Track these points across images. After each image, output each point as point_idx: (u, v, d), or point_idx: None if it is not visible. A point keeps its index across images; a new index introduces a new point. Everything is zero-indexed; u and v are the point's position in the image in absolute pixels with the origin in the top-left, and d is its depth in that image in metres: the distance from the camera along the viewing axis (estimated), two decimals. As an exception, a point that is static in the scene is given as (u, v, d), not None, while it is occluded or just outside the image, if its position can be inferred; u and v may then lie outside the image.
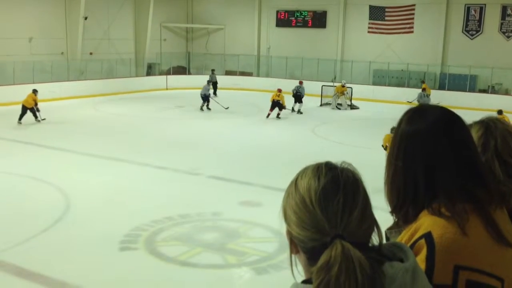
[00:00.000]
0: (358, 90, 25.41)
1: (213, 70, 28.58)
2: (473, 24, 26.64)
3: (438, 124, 1.45)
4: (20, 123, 18.18)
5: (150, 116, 21.04)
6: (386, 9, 28.30)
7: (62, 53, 27.14)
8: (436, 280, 1.28)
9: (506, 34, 25.84)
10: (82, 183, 11.40)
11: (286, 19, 31.47)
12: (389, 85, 27.28)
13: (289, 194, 1.17)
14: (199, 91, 24.31)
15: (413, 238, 1.38)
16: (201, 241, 8.46)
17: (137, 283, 7.18)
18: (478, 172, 1.46)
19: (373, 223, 1.15)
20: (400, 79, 27.22)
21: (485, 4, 26.13)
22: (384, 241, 1.19)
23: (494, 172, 1.67)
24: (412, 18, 27.71)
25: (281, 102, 20.48)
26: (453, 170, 1.42)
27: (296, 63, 29.85)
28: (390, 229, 1.53)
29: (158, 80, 29.41)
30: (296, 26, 31.21)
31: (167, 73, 30.74)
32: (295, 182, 1.17)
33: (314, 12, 30.61)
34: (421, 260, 1.30)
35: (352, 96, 24.46)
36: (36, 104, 18.41)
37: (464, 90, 25.72)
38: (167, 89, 29.07)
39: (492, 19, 26.04)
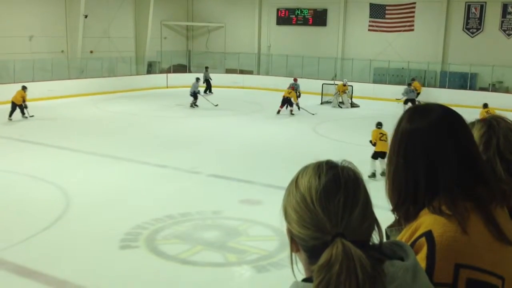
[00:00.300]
0: (359, 88, 25.41)
1: (206, 68, 28.65)
2: (473, 22, 26.61)
3: (439, 122, 1.45)
4: (11, 119, 18.44)
5: (150, 114, 21.03)
6: (387, 7, 28.27)
7: (62, 51, 27.13)
8: (437, 279, 1.28)
9: (507, 32, 25.81)
10: (82, 182, 11.41)
11: (286, 17, 31.44)
12: (390, 83, 27.26)
13: (290, 192, 1.16)
14: (201, 89, 24.36)
15: (414, 236, 1.37)
16: (201, 239, 8.46)
17: (138, 281, 7.19)
18: (479, 170, 1.45)
19: (374, 221, 1.15)
20: (400, 77, 27.19)
21: (485, 2, 26.10)
22: (385, 239, 1.19)
23: (495, 170, 1.66)
24: (413, 16, 27.68)
25: (291, 99, 21.16)
26: (454, 168, 1.42)
27: (296, 61, 29.84)
28: (390, 227, 1.53)
29: (158, 78, 29.41)
30: (297, 24, 31.19)
31: (168, 71, 30.74)
32: (295, 181, 1.17)
33: (315, 10, 30.58)
34: (421, 258, 1.30)
35: (353, 94, 24.50)
36: (24, 101, 18.65)
37: (464, 88, 25.71)
38: (167, 87, 29.06)
39: (492, 17, 26.01)
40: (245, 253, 8.02)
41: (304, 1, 30.60)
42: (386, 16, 28.36)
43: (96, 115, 20.60)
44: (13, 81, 22.67)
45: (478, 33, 26.49)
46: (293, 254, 1.18)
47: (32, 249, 8.04)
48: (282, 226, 1.20)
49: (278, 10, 31.57)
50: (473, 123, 1.77)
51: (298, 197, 1.13)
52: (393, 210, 1.47)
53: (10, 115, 18.47)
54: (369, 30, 28.93)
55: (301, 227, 1.11)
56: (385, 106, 22.78)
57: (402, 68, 27.59)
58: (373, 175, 11.63)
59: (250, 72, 31.71)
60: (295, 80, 23.58)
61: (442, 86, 26.59)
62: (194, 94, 22.70)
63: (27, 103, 18.81)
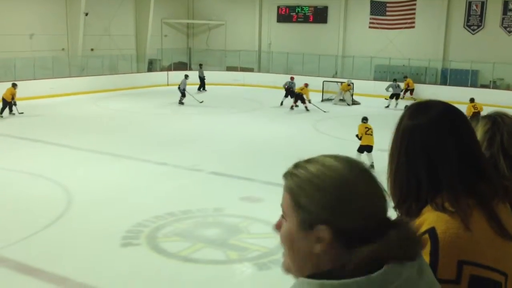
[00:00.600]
0: (360, 86, 25.40)
1: (200, 65, 28.69)
2: (474, 19, 26.57)
3: (441, 119, 1.44)
4: (1, 116, 18.71)
5: (151, 112, 21.04)
6: (388, 4, 28.23)
7: (63, 49, 27.14)
8: (440, 275, 1.28)
9: (508, 29, 25.78)
10: (83, 179, 11.41)
11: (287, 15, 31.41)
12: (391, 80, 27.23)
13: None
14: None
15: (417, 233, 1.37)
16: (202, 237, 8.47)
17: (139, 278, 7.19)
18: (480, 167, 1.45)
19: None
20: (401, 75, 27.15)
21: (486, -1, 26.10)
22: None
23: (499, 167, 1.66)
24: (414, 13, 27.64)
25: (304, 95, 21.55)
26: (456, 165, 1.41)
27: (297, 59, 29.82)
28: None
29: (159, 76, 29.40)
30: (297, 21, 31.16)
31: (168, 69, 30.73)
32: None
33: (315, 7, 30.55)
34: (424, 255, 1.29)
35: (354, 92, 24.52)
36: (13, 98, 18.87)
37: (465, 85, 25.68)
38: (168, 85, 29.02)
39: (493, 14, 25.97)
40: (246, 251, 8.02)
41: (305, -2, 30.61)
42: (387, 13, 28.32)
43: (96, 112, 20.60)
44: (14, 79, 22.66)
45: (479, 30, 26.46)
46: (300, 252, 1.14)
47: (33, 246, 8.05)
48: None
49: (278, 7, 31.54)
50: (477, 120, 1.77)
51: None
52: (395, 208, 1.46)
53: (1, 112, 18.82)
54: (369, 27, 28.89)
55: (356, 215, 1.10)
56: (399, 107, 22.73)
57: (403, 65, 27.56)
58: None
59: (250, 70, 31.70)
60: (292, 78, 23.59)
61: (443, 83, 26.58)
62: (183, 92, 22.65)
63: (16, 100, 19.00)
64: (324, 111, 21.53)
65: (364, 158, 11.93)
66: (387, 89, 24.02)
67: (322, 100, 24.49)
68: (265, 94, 26.35)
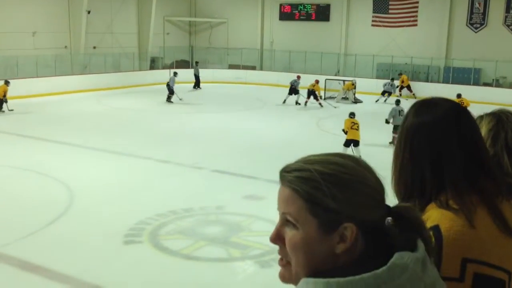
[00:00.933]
0: (362, 84, 25.38)
1: (197, 62, 28.71)
2: (477, 17, 26.51)
3: (446, 116, 1.44)
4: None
5: (153, 109, 21.04)
6: (390, 2, 28.19)
7: (65, 47, 27.15)
8: (444, 273, 1.27)
9: (511, 27, 25.71)
10: (86, 177, 11.43)
11: (289, 12, 31.38)
12: (393, 78, 27.22)
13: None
14: (202, 85, 24.33)
15: (421, 231, 1.37)
16: (204, 235, 8.47)
17: (141, 276, 7.20)
18: (485, 164, 1.45)
19: None
20: (404, 73, 27.12)
21: (489, -3, 26.04)
22: None
23: (502, 164, 1.66)
24: (416, 11, 27.59)
25: (315, 91, 22.11)
26: (461, 162, 1.41)
27: (299, 57, 29.79)
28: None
29: (161, 74, 29.38)
30: (300, 19, 31.12)
31: (170, 67, 30.70)
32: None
33: (318, 5, 30.51)
34: (428, 253, 1.30)
35: (356, 90, 24.53)
36: (4, 96, 18.93)
37: (468, 83, 25.64)
38: (170, 83, 29.04)
39: (496, 12, 25.91)
40: (248, 249, 8.03)
41: (307, -4, 30.56)
42: (390, 11, 28.28)
43: (99, 110, 20.62)
44: (17, 77, 22.70)
45: (482, 28, 26.40)
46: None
47: (36, 244, 8.06)
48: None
49: (281, 5, 31.50)
50: (481, 117, 1.77)
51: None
52: (399, 205, 1.46)
53: None
54: (372, 25, 28.85)
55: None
56: (388, 102, 22.75)
57: (406, 63, 27.53)
58: None
59: (252, 68, 31.68)
60: (298, 77, 23.54)
61: (445, 81, 26.53)
62: (171, 89, 22.56)
63: (7, 98, 19.05)
64: (335, 107, 21.95)
65: (350, 152, 12.08)
66: (383, 86, 24.98)
67: (325, 98, 24.47)
68: (267, 92, 26.35)
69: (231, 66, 31.69)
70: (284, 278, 1.12)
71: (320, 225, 1.05)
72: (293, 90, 22.69)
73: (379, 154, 11.95)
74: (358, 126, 13.23)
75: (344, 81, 25.18)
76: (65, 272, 7.13)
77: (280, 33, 31.71)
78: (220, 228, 8.82)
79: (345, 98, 24.30)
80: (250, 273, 7.47)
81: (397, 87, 25.05)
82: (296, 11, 31.14)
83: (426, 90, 24.39)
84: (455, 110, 1.47)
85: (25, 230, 8.47)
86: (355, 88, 24.56)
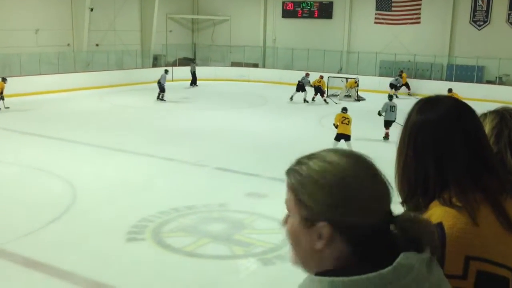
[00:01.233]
0: (365, 82, 25.35)
1: (194, 60, 28.72)
2: (480, 15, 26.44)
3: (449, 114, 1.44)
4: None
5: (156, 107, 21.05)
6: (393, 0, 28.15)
7: (68, 44, 27.18)
8: (447, 271, 1.27)
9: (514, 24, 25.64)
10: (88, 174, 11.44)
11: (292, 10, 31.34)
12: (396, 76, 27.18)
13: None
14: (205, 82, 24.32)
15: (424, 228, 1.37)
16: (207, 232, 8.48)
17: (144, 273, 7.21)
18: (488, 162, 1.45)
19: None
20: (407, 70, 27.08)
21: (492, -6, 25.96)
22: None
23: (506, 162, 1.66)
24: (419, 9, 27.53)
25: (321, 87, 22.57)
26: (464, 160, 1.41)
27: (302, 55, 29.76)
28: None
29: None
30: (302, 17, 31.08)
31: (173, 64, 30.72)
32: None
33: (320, 3, 30.47)
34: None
35: (359, 88, 24.50)
36: (1, 93, 18.92)
37: (471, 81, 25.59)
38: (173, 80, 29.01)
39: (499, 9, 25.84)
40: (251, 246, 8.03)
41: (310, -7, 30.51)
42: (393, 8, 28.22)
43: (101, 108, 20.64)
44: (20, 74, 22.75)
45: (485, 26, 26.33)
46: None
47: (38, 241, 8.08)
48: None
49: (283, 3, 31.47)
50: (485, 115, 1.77)
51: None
52: (403, 203, 1.46)
53: None
54: (375, 22, 28.80)
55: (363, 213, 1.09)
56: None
57: (409, 61, 27.49)
58: None
59: (255, 65, 31.67)
60: (307, 75, 23.55)
61: (448, 79, 26.47)
62: (162, 87, 22.39)
63: (4, 95, 19.00)
64: (336, 103, 22.09)
65: (341, 146, 12.31)
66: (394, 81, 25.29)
67: (328, 96, 24.46)
68: (270, 90, 26.33)
69: (234, 64, 31.67)
70: (292, 260, 1.17)
71: (301, 219, 1.10)
72: (301, 87, 22.70)
73: (382, 151, 11.94)
74: (349, 121, 13.42)
75: (347, 78, 25.13)
76: (68, 269, 7.14)
77: (282, 30, 31.68)
78: (223, 225, 8.82)
79: (348, 96, 24.25)
80: (253, 270, 7.48)
81: (401, 85, 25.01)
82: (299, 9, 31.10)
83: (429, 87, 24.31)
84: (459, 108, 1.46)
85: (29, 227, 8.49)
86: (358, 85, 24.52)
